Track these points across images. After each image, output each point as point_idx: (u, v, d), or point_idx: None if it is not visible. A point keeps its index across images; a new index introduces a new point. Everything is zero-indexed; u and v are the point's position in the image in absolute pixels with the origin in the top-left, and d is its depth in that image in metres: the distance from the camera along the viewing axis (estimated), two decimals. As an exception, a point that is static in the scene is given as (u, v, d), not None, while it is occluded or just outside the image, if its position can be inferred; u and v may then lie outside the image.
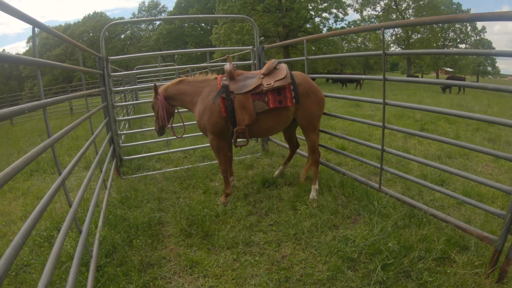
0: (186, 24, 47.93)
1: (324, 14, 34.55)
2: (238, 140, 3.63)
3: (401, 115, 8.62)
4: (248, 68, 5.57)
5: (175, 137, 4.06)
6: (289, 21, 30.30)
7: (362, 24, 38.47)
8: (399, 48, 39.73)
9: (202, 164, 5.10)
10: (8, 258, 1.17)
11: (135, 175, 4.79)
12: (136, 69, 14.83)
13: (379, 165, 3.41)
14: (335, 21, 35.53)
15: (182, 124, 4.15)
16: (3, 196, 4.55)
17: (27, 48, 51.20)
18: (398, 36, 40.34)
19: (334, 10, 34.36)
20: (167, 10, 53.27)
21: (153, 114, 3.93)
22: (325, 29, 35.22)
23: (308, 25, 33.85)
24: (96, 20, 47.90)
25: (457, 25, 38.55)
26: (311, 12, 32.98)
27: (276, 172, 4.41)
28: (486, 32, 40.90)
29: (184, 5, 47.88)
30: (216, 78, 3.65)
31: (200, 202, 3.44)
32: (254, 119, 3.43)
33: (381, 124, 3.30)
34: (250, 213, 3.44)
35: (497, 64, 47.37)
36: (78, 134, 8.45)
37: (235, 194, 3.87)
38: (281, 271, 2.50)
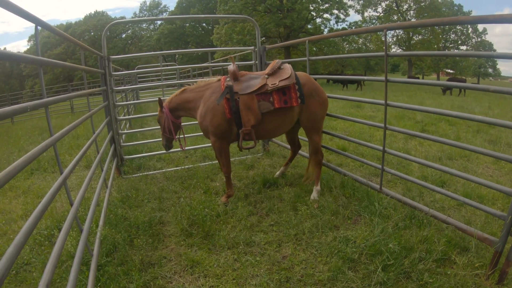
0: (187, 24, 47.96)
1: (326, 15, 34.62)
2: (243, 142, 3.59)
3: (401, 117, 8.62)
4: (249, 68, 5.56)
5: (181, 147, 3.98)
6: (290, 21, 30.31)
7: (363, 25, 38.52)
8: (400, 50, 39.74)
9: (203, 164, 5.10)
10: (10, 256, 1.17)
11: (136, 175, 4.79)
12: (137, 69, 14.83)
13: (380, 166, 3.41)
14: (336, 22, 35.62)
15: (183, 136, 4.09)
16: (3, 194, 4.55)
17: (28, 47, 51.29)
18: (399, 37, 40.34)
19: (336, 11, 34.41)
20: (168, 10, 53.39)
21: (154, 113, 3.94)
22: (326, 30, 35.27)
23: (309, 26, 33.88)
24: (97, 19, 47.96)
25: (458, 27, 38.58)
26: (312, 13, 33.01)
27: (277, 173, 4.41)
28: (487, 34, 41.01)
29: (186, 5, 47.92)
30: (219, 80, 3.63)
31: (201, 202, 3.44)
32: (260, 119, 3.41)
33: (382, 125, 3.30)
34: (251, 213, 3.44)
35: (498, 66, 47.47)
36: (79, 133, 8.46)
37: (236, 194, 3.87)
38: (282, 272, 2.50)
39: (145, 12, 52.80)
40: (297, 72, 3.59)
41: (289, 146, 4.58)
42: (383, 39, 3.10)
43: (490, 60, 43.29)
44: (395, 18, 38.53)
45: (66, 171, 2.14)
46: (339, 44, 36.19)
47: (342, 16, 34.86)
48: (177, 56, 45.81)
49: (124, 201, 3.77)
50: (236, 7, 30.55)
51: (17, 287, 2.52)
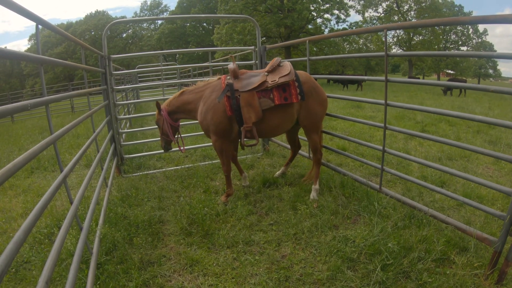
0: (188, 24, 48.00)
1: (326, 15, 34.62)
2: (246, 139, 3.60)
3: (402, 117, 8.62)
4: (249, 68, 5.57)
5: (179, 149, 3.98)
6: (291, 21, 30.31)
7: (364, 25, 38.49)
8: (401, 50, 39.72)
9: (203, 163, 5.10)
10: (9, 253, 1.17)
11: (135, 174, 4.80)
12: (138, 68, 14.84)
13: (379, 166, 3.41)
14: (337, 22, 35.61)
15: (181, 136, 4.08)
16: (3, 193, 4.56)
17: (29, 46, 51.31)
18: (399, 37, 40.33)
19: (336, 11, 34.41)
20: (169, 10, 53.40)
21: (155, 113, 3.94)
22: (326, 30, 35.25)
23: (310, 26, 33.89)
24: (98, 19, 48.00)
25: (458, 27, 38.58)
26: (313, 13, 33.01)
27: (278, 172, 4.42)
28: (487, 34, 41.07)
29: (186, 4, 47.95)
30: (219, 79, 3.64)
31: (200, 201, 3.44)
32: (261, 116, 3.42)
33: (382, 125, 3.30)
34: (250, 212, 3.44)
35: (498, 67, 47.43)
36: (79, 132, 8.47)
37: (235, 194, 3.88)
38: (281, 271, 2.50)
39: (146, 12, 52.82)
40: (297, 71, 3.60)
41: (289, 146, 4.58)
42: (384, 39, 3.10)
43: (491, 61, 43.30)
44: (396, 18, 38.52)
45: (66, 169, 2.14)
46: (339, 45, 36.18)
47: (342, 17, 34.89)
48: (177, 55, 45.89)
49: (124, 200, 3.78)
50: (237, 7, 30.55)
51: (17, 285, 2.52)
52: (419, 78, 38.16)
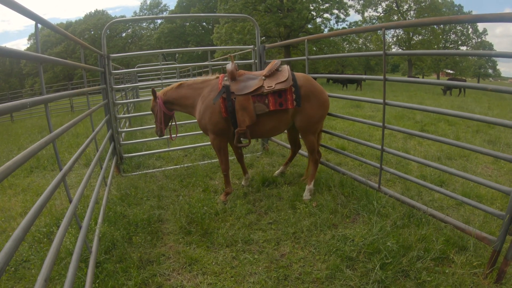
0: (188, 23, 47.94)
1: (326, 15, 34.51)
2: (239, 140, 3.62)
3: (401, 116, 8.62)
4: (248, 67, 5.57)
5: (170, 137, 4.04)
6: (290, 21, 30.26)
7: (363, 25, 38.44)
8: (400, 50, 39.72)
9: (202, 162, 5.11)
10: (8, 251, 1.17)
11: (135, 173, 4.80)
12: (137, 68, 14.83)
13: (378, 165, 3.41)
14: (337, 22, 35.48)
15: (175, 124, 4.12)
16: (3, 192, 4.56)
17: (28, 45, 51.21)
18: (399, 37, 40.33)
19: (336, 11, 34.31)
20: (168, 9, 53.28)
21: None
22: (326, 30, 35.17)
23: (309, 26, 33.82)
24: (98, 18, 47.88)
25: (458, 27, 38.56)
26: (312, 12, 32.95)
27: (277, 172, 4.42)
28: (487, 34, 41.02)
29: (186, 4, 47.86)
30: (217, 77, 3.64)
31: (199, 200, 3.44)
32: (255, 120, 3.42)
33: (380, 124, 3.30)
34: (249, 211, 3.45)
35: (498, 67, 47.49)
36: (78, 132, 8.47)
37: (234, 193, 3.88)
38: (280, 269, 2.50)
39: (145, 11, 52.70)
40: (296, 73, 3.55)
41: (289, 145, 4.57)
42: (382, 38, 3.10)
43: (490, 60, 43.35)
44: (395, 18, 38.47)
45: (65, 167, 2.14)
46: (339, 44, 36.13)
47: (342, 16, 34.76)
48: (177, 55, 45.88)
49: (123, 199, 3.78)
50: (237, 7, 30.50)
51: (16, 284, 2.52)
52: (418, 77, 38.17)
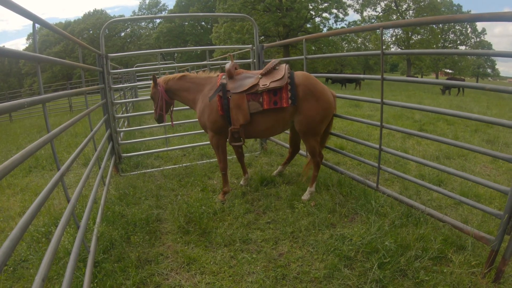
0: (187, 23, 47.91)
1: (325, 14, 34.55)
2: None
3: (400, 116, 8.63)
4: (247, 66, 5.57)
5: (170, 123, 4.09)
6: (289, 20, 30.28)
7: (362, 24, 38.47)
8: (399, 49, 39.74)
9: (200, 162, 5.10)
10: (6, 250, 1.17)
11: (133, 172, 4.79)
12: (136, 67, 14.80)
13: (376, 165, 3.42)
14: (335, 21, 35.53)
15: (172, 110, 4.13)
16: (1, 191, 4.55)
17: (27, 45, 51.13)
18: (398, 37, 40.37)
19: (335, 10, 34.35)
20: (167, 9, 53.27)
21: (152, 113, 3.94)
22: (325, 29, 35.21)
23: (308, 25, 33.85)
24: (96, 18, 47.79)
25: (457, 27, 38.62)
26: (311, 12, 32.97)
27: (275, 172, 4.41)
28: (486, 34, 41.03)
29: (185, 3, 47.79)
30: (218, 76, 3.65)
31: (198, 200, 3.45)
32: (248, 119, 3.39)
33: (378, 123, 3.30)
34: (247, 211, 3.45)
35: (496, 66, 47.61)
36: (77, 131, 8.45)
37: (233, 192, 3.88)
38: (278, 269, 2.51)
39: (144, 11, 52.64)
40: (296, 72, 3.50)
41: (287, 145, 4.54)
42: (380, 37, 3.09)
43: (489, 60, 43.41)
44: (394, 17, 38.51)
45: (63, 167, 2.14)
46: (338, 44, 36.14)
47: (341, 16, 34.81)
48: (176, 54, 45.79)
49: (122, 199, 3.77)
50: (235, 6, 30.49)
51: (15, 284, 2.52)
52: (417, 77, 38.18)
